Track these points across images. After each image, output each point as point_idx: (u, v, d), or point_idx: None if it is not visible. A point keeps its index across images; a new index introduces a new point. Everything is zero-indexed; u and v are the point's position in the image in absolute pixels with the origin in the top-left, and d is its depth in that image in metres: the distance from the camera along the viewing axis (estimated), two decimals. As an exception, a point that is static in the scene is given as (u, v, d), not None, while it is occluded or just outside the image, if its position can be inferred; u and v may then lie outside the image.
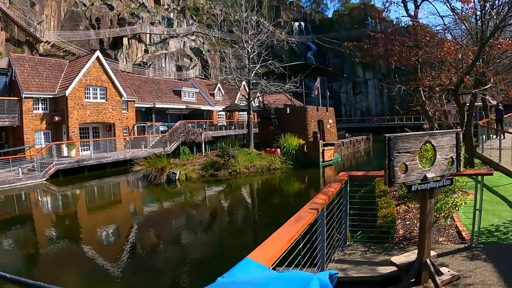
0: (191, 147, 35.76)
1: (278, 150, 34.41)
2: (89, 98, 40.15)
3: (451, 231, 9.32)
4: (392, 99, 78.23)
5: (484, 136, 23.60)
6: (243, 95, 49.13)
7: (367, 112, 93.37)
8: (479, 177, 7.64)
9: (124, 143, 41.90)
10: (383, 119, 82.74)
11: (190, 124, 46.47)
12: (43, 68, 40.12)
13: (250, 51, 36.71)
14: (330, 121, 47.52)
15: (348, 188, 8.07)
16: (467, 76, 14.94)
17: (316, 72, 48.13)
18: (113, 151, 39.31)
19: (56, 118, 38.06)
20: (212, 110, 62.05)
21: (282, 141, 34.67)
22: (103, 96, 41.51)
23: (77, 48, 61.36)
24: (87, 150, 38.19)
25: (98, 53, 41.28)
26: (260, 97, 53.37)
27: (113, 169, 35.78)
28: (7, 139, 39.19)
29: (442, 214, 9.35)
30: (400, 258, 6.51)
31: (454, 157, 5.86)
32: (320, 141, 36.29)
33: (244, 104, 57.14)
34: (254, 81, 37.62)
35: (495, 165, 17.38)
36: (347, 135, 56.85)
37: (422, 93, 16.27)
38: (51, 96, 38.67)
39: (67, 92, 37.42)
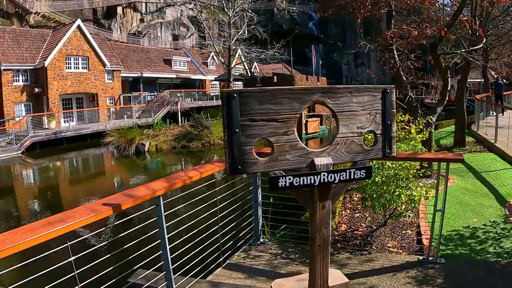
0: (174, 118, 34.95)
1: None
2: (70, 68, 38.94)
3: (410, 232, 7.40)
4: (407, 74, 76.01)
5: (483, 113, 21.65)
6: (244, 65, 48.24)
7: (368, 84, 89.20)
8: (443, 165, 5.81)
9: (108, 114, 40.85)
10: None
11: (178, 94, 45.68)
12: (24, 39, 38.70)
13: (230, 16, 35.34)
14: None
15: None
16: (449, 33, 12.17)
17: (311, 41, 46.82)
18: (96, 122, 38.03)
19: (36, 90, 37.01)
20: (205, 80, 60.31)
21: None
22: (85, 66, 40.24)
23: (69, 18, 59.14)
24: (71, 121, 37.28)
25: (79, 21, 39.78)
26: (256, 67, 52.48)
27: (94, 140, 34.40)
28: (-11, 112, 38.24)
29: (400, 208, 7.31)
30: (289, 283, 4.20)
31: (379, 132, 3.64)
32: (303, 112, 34.36)
33: (238, 74, 56.01)
34: (234, 47, 36.44)
35: (490, 145, 15.65)
36: None
37: (395, 52, 13.22)
38: (32, 67, 37.43)
39: (46, 62, 36.29)
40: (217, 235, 5.88)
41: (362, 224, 8.12)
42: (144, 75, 49.52)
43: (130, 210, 4.26)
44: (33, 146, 31.35)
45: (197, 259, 5.44)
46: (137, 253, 4.43)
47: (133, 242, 4.48)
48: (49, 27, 55.02)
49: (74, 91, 39.30)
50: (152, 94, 48.55)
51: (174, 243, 4.89)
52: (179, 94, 47.68)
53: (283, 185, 3.27)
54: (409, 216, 8.07)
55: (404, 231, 7.52)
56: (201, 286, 5.19)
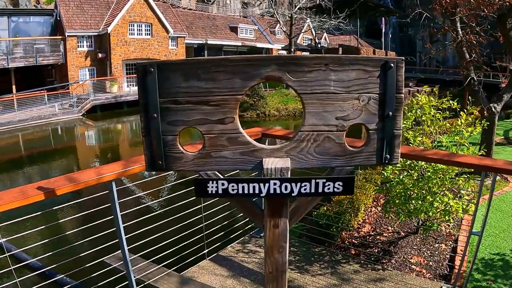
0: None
1: None
2: (133, 35, 38.85)
3: (444, 247, 6.00)
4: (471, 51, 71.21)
5: None
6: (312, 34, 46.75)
7: (442, 63, 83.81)
8: (486, 176, 4.57)
9: None
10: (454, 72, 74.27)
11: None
12: (89, 6, 38.93)
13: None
14: None
15: None
16: None
17: (382, 12, 44.54)
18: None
19: (100, 55, 37.32)
20: (272, 49, 58.58)
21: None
22: (148, 32, 39.98)
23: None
24: (133, 86, 37.64)
25: None
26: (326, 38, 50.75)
27: None
28: (55, 76, 39.27)
29: (435, 218, 5.72)
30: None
31: (373, 127, 2.35)
32: None
33: (306, 44, 54.65)
34: (296, 16, 35.07)
35: None
36: (410, 84, 52.19)
37: (457, 24, 11.07)
38: (96, 34, 37.65)
39: (109, 29, 36.33)
40: (201, 225, 5.15)
41: (389, 228, 6.65)
42: (209, 42, 48.62)
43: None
44: (94, 109, 32.10)
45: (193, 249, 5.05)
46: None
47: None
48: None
49: (137, 56, 39.00)
50: None
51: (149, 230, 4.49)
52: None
53: (213, 192, 2.34)
54: (448, 225, 6.44)
55: (437, 245, 6.02)
56: (166, 280, 4.59)
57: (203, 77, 2.22)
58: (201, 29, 49.67)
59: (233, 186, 2.32)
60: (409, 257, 5.64)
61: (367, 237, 6.41)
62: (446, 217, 5.45)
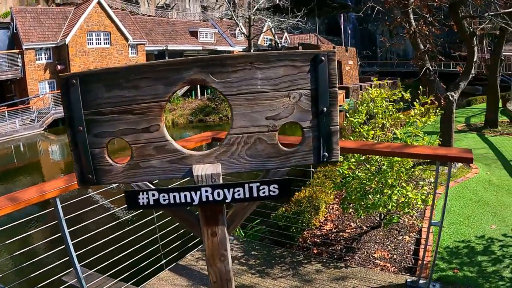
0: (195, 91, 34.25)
1: None
2: (92, 44, 38.29)
3: (408, 239, 5.94)
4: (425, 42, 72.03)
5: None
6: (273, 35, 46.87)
7: (404, 56, 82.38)
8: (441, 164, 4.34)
9: None
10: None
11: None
12: (46, 17, 38.18)
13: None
14: (350, 62, 43.60)
15: None
16: None
17: (339, 9, 44.93)
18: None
19: (59, 67, 36.48)
20: (233, 51, 58.18)
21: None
22: (107, 41, 39.47)
23: (96, -6, 59.63)
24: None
25: None
26: (287, 37, 50.96)
27: None
28: (15, 91, 38.24)
29: (396, 211, 5.67)
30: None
31: (307, 124, 2.26)
32: None
33: (267, 45, 54.79)
34: (253, 17, 35.25)
35: None
36: (371, 78, 52.37)
37: (411, 15, 11.14)
38: (54, 45, 36.89)
39: (67, 40, 35.69)
40: (156, 235, 5.07)
41: (352, 224, 6.58)
42: (169, 48, 48.17)
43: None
44: (56, 122, 31.55)
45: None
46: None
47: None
48: (75, 4, 54.84)
49: (96, 66, 37.73)
50: None
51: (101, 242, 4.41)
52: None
53: (145, 203, 2.26)
54: (410, 217, 6.43)
55: (400, 237, 5.96)
56: None
57: (125, 85, 2.15)
58: (161, 35, 49.28)
59: (164, 196, 2.24)
60: (373, 252, 5.60)
61: (329, 235, 6.36)
62: (406, 209, 5.46)
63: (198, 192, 2.23)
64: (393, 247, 5.74)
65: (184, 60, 2.18)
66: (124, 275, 4.63)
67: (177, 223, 5.45)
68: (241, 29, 36.85)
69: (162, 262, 5.18)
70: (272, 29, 55.68)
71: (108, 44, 39.74)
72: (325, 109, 2.22)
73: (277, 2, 34.19)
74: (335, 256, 5.54)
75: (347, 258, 5.47)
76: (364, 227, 6.45)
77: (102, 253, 4.41)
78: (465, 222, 6.60)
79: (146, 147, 2.25)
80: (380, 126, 6.11)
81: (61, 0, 56.14)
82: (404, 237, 6.05)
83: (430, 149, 4.24)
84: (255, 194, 2.28)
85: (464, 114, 19.51)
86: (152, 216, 5.01)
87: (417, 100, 6.05)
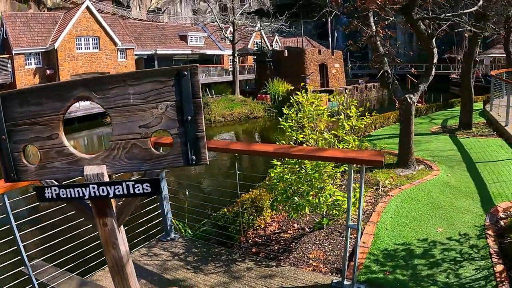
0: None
1: (268, 96, 32.54)
2: (81, 49, 38.59)
3: (348, 240, 5.86)
4: (421, 46, 71.48)
5: (502, 92, 18.37)
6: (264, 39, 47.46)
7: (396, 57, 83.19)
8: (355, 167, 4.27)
9: None
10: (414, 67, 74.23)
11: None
12: (35, 23, 38.54)
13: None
14: (336, 65, 43.92)
15: None
16: None
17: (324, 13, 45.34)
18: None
19: (48, 72, 36.93)
20: (223, 55, 58.94)
21: (270, 86, 32.80)
22: (96, 46, 39.76)
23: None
24: (83, 101, 37.80)
25: (87, 2, 38.90)
26: (278, 41, 51.56)
27: (104, 119, 34.31)
28: (6, 96, 38.80)
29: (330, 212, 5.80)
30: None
31: (174, 132, 2.65)
32: (309, 87, 32.68)
33: (256, 48, 55.27)
34: (238, 22, 35.91)
35: (500, 128, 13.25)
36: (360, 81, 52.46)
37: (370, 19, 11.09)
38: (43, 50, 37.26)
39: (56, 44, 36.00)
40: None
41: (295, 225, 6.72)
42: (159, 52, 48.60)
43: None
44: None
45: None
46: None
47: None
48: (66, 8, 55.26)
49: (85, 71, 38.75)
50: None
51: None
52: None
53: (50, 197, 2.75)
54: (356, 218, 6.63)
55: (340, 239, 6.04)
56: (68, 284, 4.74)
57: (32, 102, 2.65)
58: (150, 40, 49.67)
59: (63, 191, 2.70)
60: (309, 252, 5.70)
61: (272, 235, 6.53)
62: (334, 210, 5.69)
63: (87, 189, 2.69)
64: (330, 248, 5.83)
65: (72, 82, 2.69)
66: (71, 265, 4.91)
67: (127, 219, 6.02)
68: (225, 33, 37.30)
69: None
70: (262, 33, 56.28)
71: (97, 48, 40.04)
72: (189, 117, 2.61)
73: (261, 7, 34.62)
74: (271, 256, 5.69)
75: (282, 257, 5.61)
76: (307, 229, 6.56)
77: (50, 243, 4.80)
78: (410, 224, 6.46)
79: (50, 151, 2.73)
80: (310, 129, 6.26)
81: (52, 4, 56.59)
82: (343, 239, 5.87)
83: (341, 152, 4.36)
84: (131, 191, 2.72)
85: (444, 115, 19.50)
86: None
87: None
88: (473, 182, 8.57)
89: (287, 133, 6.26)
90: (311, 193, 5.54)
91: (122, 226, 3.08)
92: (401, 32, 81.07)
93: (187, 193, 6.96)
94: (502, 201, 7.26)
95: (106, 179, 2.77)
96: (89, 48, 39.49)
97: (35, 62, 37.55)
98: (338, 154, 4.17)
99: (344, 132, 6.12)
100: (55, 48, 36.24)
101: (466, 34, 16.61)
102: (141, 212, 5.96)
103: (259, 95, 33.49)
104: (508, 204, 7.03)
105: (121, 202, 3.00)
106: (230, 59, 59.87)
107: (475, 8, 10.50)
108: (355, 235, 5.22)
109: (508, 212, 6.83)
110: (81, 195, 2.72)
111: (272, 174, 5.96)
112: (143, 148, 2.71)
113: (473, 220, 6.54)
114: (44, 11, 52.86)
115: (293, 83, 32.93)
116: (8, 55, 36.15)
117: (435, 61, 10.40)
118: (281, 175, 5.76)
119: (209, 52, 56.07)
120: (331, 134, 6.03)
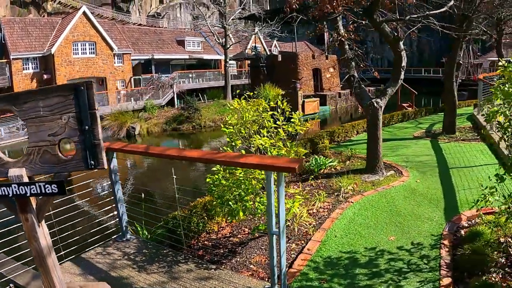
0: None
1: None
2: (78, 54, 38.91)
3: (295, 246, 5.99)
4: (421, 50, 72.36)
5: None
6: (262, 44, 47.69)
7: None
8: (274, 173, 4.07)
9: (119, 97, 40.45)
10: (409, 70, 73.20)
11: (190, 75, 45.87)
12: (33, 28, 38.92)
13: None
14: (331, 70, 43.83)
15: (115, 164, 5.96)
16: None
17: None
18: (105, 105, 38.19)
19: (45, 76, 37.28)
20: (220, 60, 58.26)
21: (261, 91, 32.95)
22: (92, 51, 40.06)
23: (87, 4, 59.96)
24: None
25: (84, 8, 39.46)
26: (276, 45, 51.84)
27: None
28: (4, 99, 39.24)
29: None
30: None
31: (75, 139, 3.07)
32: (300, 92, 32.93)
33: (254, 53, 55.58)
34: (228, 26, 36.24)
35: (485, 132, 12.80)
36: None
37: (339, 22, 10.75)
38: (41, 55, 37.66)
39: (53, 50, 36.34)
40: (54, 229, 5.54)
41: (246, 229, 6.84)
42: (156, 57, 48.84)
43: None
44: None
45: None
46: None
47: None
48: (66, 13, 55.66)
49: (82, 76, 38.85)
50: (165, 75, 47.18)
51: None
52: (190, 75, 48.01)
53: None
54: (309, 224, 6.62)
55: (287, 245, 6.01)
56: (23, 276, 5.08)
57: None
58: (147, 44, 49.86)
59: None
60: (252, 257, 5.77)
61: (222, 239, 6.65)
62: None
63: (10, 188, 3.09)
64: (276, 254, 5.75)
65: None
66: (25, 260, 5.12)
67: (76, 220, 6.19)
68: (217, 39, 37.57)
69: (61, 253, 5.64)
70: (261, 37, 56.57)
71: (93, 53, 40.31)
72: (87, 127, 3.02)
73: (253, 12, 34.90)
74: (215, 259, 5.84)
75: (225, 261, 5.73)
76: (256, 234, 6.57)
77: (10, 237, 5.12)
78: (362, 232, 6.29)
79: None
80: (246, 136, 6.31)
81: (52, 9, 56.99)
82: (291, 245, 6.09)
83: (259, 158, 4.37)
84: (43, 191, 3.10)
85: (432, 120, 19.29)
86: (50, 213, 5.66)
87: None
88: (442, 188, 8.28)
89: (227, 139, 6.38)
90: (246, 198, 5.60)
91: (43, 222, 3.45)
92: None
93: (142, 196, 7.16)
94: (469, 208, 6.84)
95: (26, 180, 3.16)
96: (86, 53, 39.77)
97: (32, 66, 37.90)
98: (255, 160, 4.22)
99: (279, 137, 6.16)
100: (52, 53, 36.56)
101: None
102: (103, 213, 6.19)
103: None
104: (474, 212, 6.56)
105: (40, 201, 3.35)
106: (229, 64, 60.38)
107: (444, 9, 10.39)
108: (304, 242, 5.43)
109: (473, 221, 6.48)
110: (6, 193, 3.11)
111: (208, 180, 6.05)
112: (52, 154, 3.12)
113: (431, 229, 6.27)
114: (44, 16, 53.41)
115: (286, 88, 33.05)
116: (6, 60, 36.61)
117: (403, 64, 10.03)
118: (217, 180, 5.86)
119: (206, 56, 56.18)
120: (263, 140, 6.02)
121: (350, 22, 10.94)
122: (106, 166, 3.08)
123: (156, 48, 50.50)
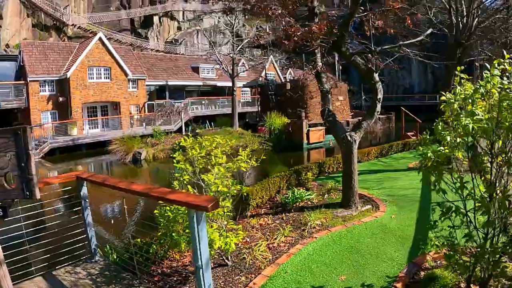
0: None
1: (265, 129, 32.68)
2: (93, 79, 39.77)
3: (244, 279, 6.15)
4: (437, 77, 72.34)
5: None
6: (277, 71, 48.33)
7: (410, 90, 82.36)
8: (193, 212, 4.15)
9: (132, 121, 41.61)
10: (424, 97, 71.82)
11: (203, 102, 46.59)
12: (51, 51, 40.08)
13: (233, 23, 35.84)
14: (340, 98, 43.90)
15: (84, 192, 6.32)
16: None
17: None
18: (118, 129, 39.31)
19: (61, 99, 38.15)
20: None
21: (267, 119, 33.27)
22: (107, 76, 40.93)
23: (107, 29, 61.17)
24: (95, 128, 39.49)
25: (100, 34, 40.61)
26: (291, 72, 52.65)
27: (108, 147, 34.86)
28: (21, 119, 39.79)
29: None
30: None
31: (15, 173, 3.65)
32: (305, 121, 32.84)
33: (269, 80, 56.32)
34: (235, 56, 36.94)
35: (480, 162, 12.47)
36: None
37: (317, 54, 10.85)
38: (57, 78, 38.54)
39: (69, 74, 37.24)
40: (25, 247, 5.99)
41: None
42: (170, 83, 49.85)
43: None
44: (53, 151, 32.64)
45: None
46: None
47: None
48: (86, 37, 57.11)
49: (96, 100, 40.09)
50: (179, 101, 48.01)
51: None
52: (203, 102, 48.83)
53: None
54: (264, 258, 6.81)
55: (237, 277, 6.26)
56: None
57: None
58: (162, 71, 50.81)
59: None
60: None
61: (181, 266, 6.89)
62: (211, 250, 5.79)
63: None
64: (222, 284, 6.02)
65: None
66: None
67: (50, 239, 6.37)
68: (225, 67, 38.21)
69: (32, 268, 6.05)
70: (275, 64, 57.26)
71: (108, 78, 41.20)
72: (23, 164, 3.57)
73: (260, 42, 35.56)
74: (167, 286, 6.17)
75: None
76: (212, 264, 6.62)
77: None
78: (315, 270, 6.24)
79: None
80: (197, 171, 6.64)
81: (73, 33, 58.50)
82: (241, 277, 6.23)
83: (184, 195, 4.54)
84: None
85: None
86: (20, 224, 5.84)
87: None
88: (415, 225, 8.00)
89: (176, 175, 6.69)
90: (187, 230, 5.72)
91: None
92: (415, 62, 78.70)
93: (112, 221, 7.48)
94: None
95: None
96: (101, 78, 40.66)
97: (49, 89, 38.82)
98: (181, 197, 4.40)
99: (222, 174, 6.47)
100: (68, 77, 37.44)
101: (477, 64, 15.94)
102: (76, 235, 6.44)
103: (259, 127, 33.82)
104: (441, 253, 6.02)
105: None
106: (242, 91, 61.12)
107: (420, 38, 10.47)
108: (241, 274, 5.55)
109: (438, 262, 6.13)
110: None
111: (155, 212, 6.34)
112: (0, 184, 3.61)
113: (389, 270, 6.05)
114: (64, 39, 54.80)
115: (294, 116, 33.31)
116: (23, 82, 37.71)
117: (379, 96, 9.89)
118: (164, 211, 6.11)
119: (219, 83, 57.00)
120: (208, 176, 6.37)
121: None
122: (38, 197, 3.61)
123: (171, 74, 51.47)
